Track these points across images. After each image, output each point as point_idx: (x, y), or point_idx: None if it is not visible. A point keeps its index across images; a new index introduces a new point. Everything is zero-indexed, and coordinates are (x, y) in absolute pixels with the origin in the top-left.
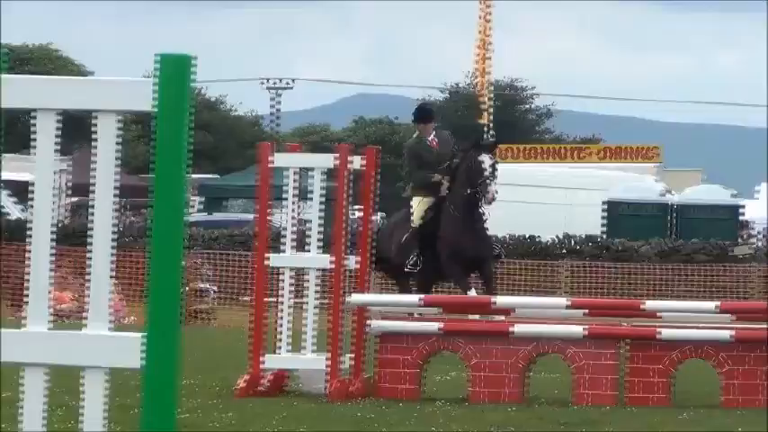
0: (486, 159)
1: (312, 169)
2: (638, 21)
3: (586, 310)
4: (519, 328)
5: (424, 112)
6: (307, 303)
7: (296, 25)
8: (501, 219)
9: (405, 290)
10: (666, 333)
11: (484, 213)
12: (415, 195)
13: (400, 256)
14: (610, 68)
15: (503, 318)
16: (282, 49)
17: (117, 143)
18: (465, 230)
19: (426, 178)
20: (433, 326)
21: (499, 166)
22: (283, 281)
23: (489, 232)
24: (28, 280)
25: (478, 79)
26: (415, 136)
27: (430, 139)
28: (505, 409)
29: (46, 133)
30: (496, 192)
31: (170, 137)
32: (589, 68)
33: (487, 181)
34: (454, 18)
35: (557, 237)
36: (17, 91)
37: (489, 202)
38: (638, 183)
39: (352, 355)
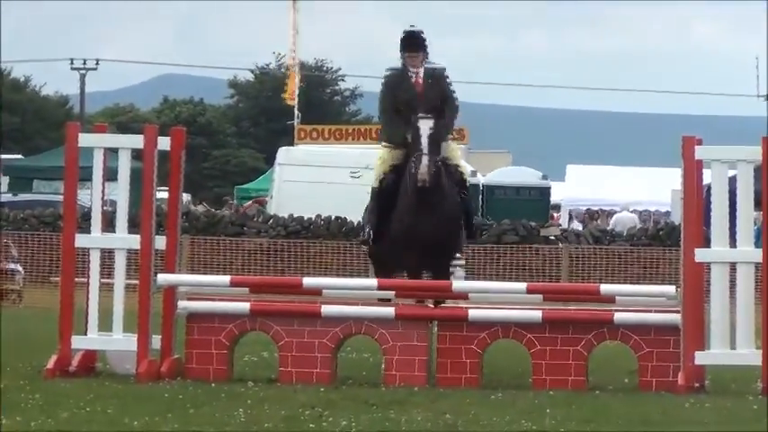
0: (424, 124)
1: (119, 150)
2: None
3: (394, 292)
4: (328, 309)
5: (411, 38)
6: (115, 284)
7: (106, 5)
8: (309, 200)
9: (375, 269)
10: (475, 314)
11: (445, 189)
12: (384, 145)
13: (361, 227)
14: None
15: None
16: (92, 29)
17: None
18: (418, 212)
19: (393, 130)
20: (243, 306)
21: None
22: (92, 261)
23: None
24: None
25: (287, 60)
26: (400, 66)
27: (415, 72)
28: (315, 390)
29: None
30: (431, 171)
31: None
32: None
33: (423, 157)
34: None
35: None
36: None
37: (421, 183)
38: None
39: (162, 336)
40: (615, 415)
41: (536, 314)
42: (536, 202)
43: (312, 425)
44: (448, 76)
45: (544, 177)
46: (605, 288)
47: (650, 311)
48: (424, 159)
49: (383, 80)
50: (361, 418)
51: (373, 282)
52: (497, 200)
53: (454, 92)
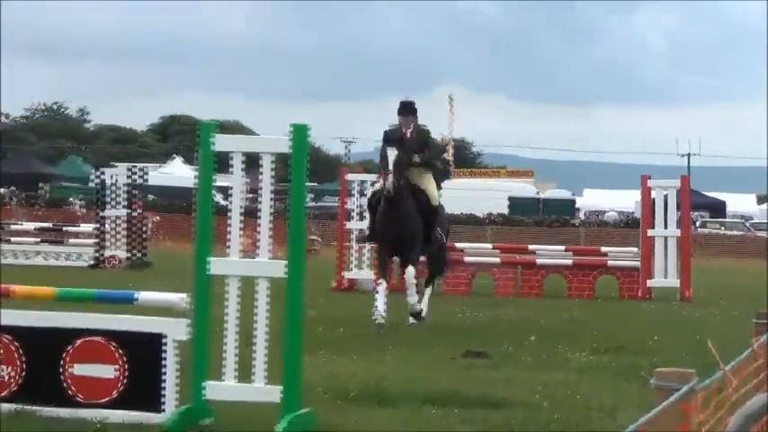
0: (390, 153)
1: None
2: None
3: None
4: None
5: (404, 106)
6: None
7: None
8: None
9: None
10: (541, 261)
11: (406, 199)
12: (377, 174)
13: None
14: None
15: None
16: None
17: (273, 169)
18: (386, 214)
19: (380, 161)
20: None
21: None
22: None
23: (417, 220)
24: (230, 233)
25: None
26: (397, 124)
27: (405, 130)
28: None
29: (237, 164)
30: (393, 184)
31: (297, 164)
32: None
33: (388, 175)
34: None
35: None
36: (225, 142)
37: (386, 193)
38: (523, 187)
39: None
40: (606, 311)
41: (569, 261)
42: (568, 206)
43: None
44: (430, 132)
45: (573, 194)
46: (604, 249)
47: (625, 260)
48: (389, 177)
49: (384, 132)
50: None
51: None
52: (550, 206)
53: (435, 140)
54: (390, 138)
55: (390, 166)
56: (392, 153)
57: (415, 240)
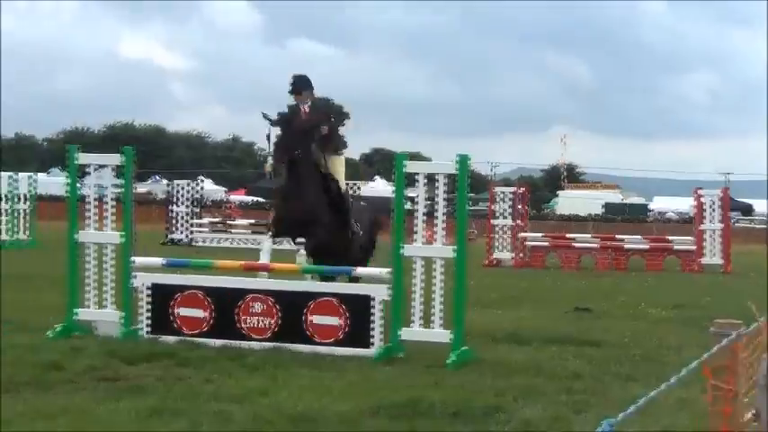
0: (273, 133)
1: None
2: None
3: None
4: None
5: (295, 82)
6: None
7: None
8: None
9: None
10: (629, 246)
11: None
12: None
13: None
14: None
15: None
16: None
17: (445, 184)
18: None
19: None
20: None
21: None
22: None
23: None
24: (416, 228)
25: None
26: (291, 104)
27: (303, 107)
28: None
29: (421, 181)
30: (272, 166)
31: (461, 181)
32: None
33: (268, 157)
34: None
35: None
36: (413, 166)
37: (267, 175)
38: (613, 195)
39: None
40: (672, 281)
41: (646, 246)
42: (643, 209)
43: None
44: (330, 100)
45: (646, 201)
46: (670, 237)
47: (684, 245)
48: (269, 159)
49: (279, 113)
50: None
51: None
52: (631, 208)
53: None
54: (279, 119)
55: (271, 148)
56: (275, 134)
57: (314, 217)
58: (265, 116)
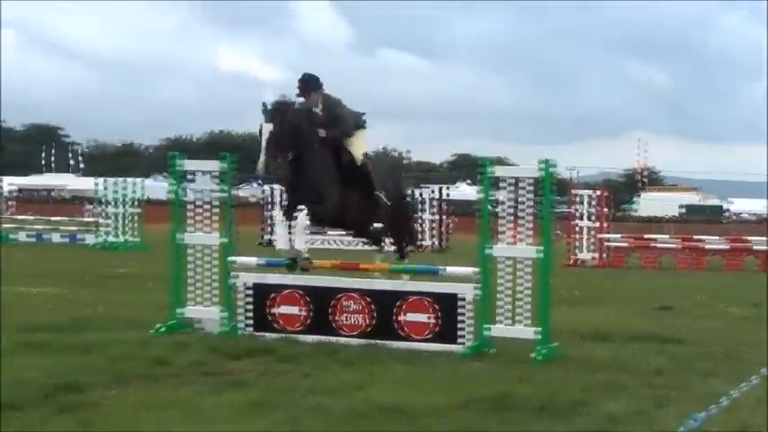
0: (266, 129)
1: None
2: None
3: None
4: None
5: (302, 83)
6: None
7: None
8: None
9: None
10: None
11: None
12: None
13: None
14: None
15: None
16: None
17: (529, 185)
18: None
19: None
20: None
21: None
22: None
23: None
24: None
25: None
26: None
27: (316, 110)
28: None
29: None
30: (263, 163)
31: (545, 184)
32: None
33: (261, 154)
34: None
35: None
36: (500, 170)
37: (259, 171)
38: (690, 197)
39: None
40: (750, 280)
41: (726, 246)
42: (718, 210)
43: None
44: (340, 101)
45: (728, 202)
46: (747, 238)
47: (763, 246)
48: (261, 156)
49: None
50: None
51: None
52: (708, 210)
53: (348, 109)
54: (272, 113)
55: (263, 143)
56: (267, 129)
57: (323, 194)
58: (265, 108)
